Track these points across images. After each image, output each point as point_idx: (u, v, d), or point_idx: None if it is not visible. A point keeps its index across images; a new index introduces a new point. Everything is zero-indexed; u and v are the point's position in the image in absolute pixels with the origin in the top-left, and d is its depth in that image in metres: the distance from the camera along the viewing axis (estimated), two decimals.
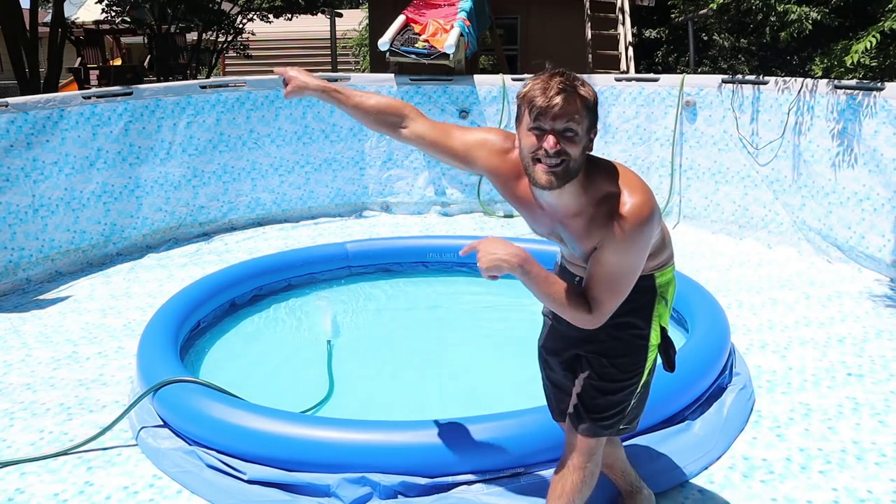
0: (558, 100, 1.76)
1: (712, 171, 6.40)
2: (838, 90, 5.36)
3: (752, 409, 3.29)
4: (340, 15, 10.50)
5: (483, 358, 4.11)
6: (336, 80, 7.03)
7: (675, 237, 6.17)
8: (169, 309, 3.91)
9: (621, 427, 2.22)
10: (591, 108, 1.82)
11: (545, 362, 2.34)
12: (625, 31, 8.93)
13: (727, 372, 3.38)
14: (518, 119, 1.88)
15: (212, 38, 13.07)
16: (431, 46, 6.92)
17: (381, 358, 4.10)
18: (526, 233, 6.30)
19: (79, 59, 13.67)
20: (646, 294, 2.09)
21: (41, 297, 4.96)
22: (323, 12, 11.26)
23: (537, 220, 2.03)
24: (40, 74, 10.43)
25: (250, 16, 12.89)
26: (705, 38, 13.61)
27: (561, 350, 2.25)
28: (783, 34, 7.64)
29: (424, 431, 2.71)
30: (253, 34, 13.91)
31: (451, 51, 6.76)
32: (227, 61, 16.84)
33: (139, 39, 14.28)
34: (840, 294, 4.77)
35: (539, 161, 1.80)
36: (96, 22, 13.59)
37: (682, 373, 3.11)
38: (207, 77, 13.06)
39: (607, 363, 2.12)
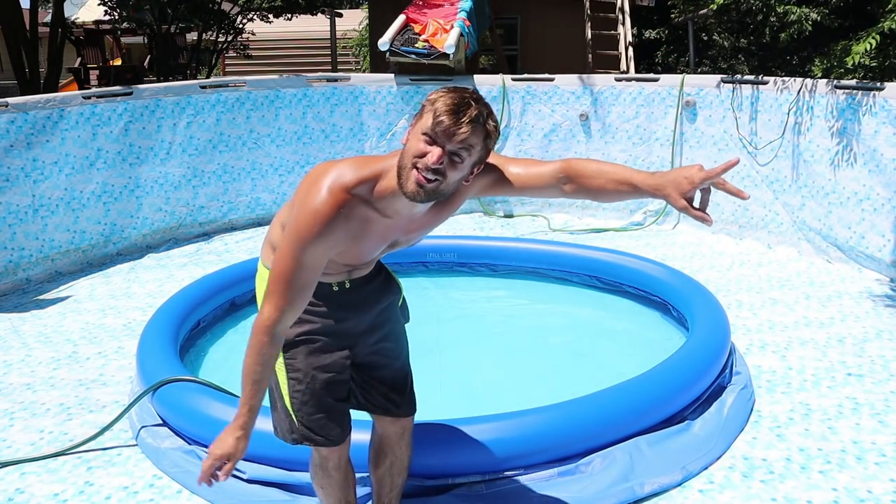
0: (466, 129, 1.71)
1: None
2: (838, 90, 5.36)
3: (752, 409, 3.29)
4: (340, 15, 10.52)
5: (483, 358, 4.11)
6: (336, 80, 7.04)
7: (676, 237, 6.23)
8: (169, 308, 3.91)
9: None
10: (487, 146, 1.79)
11: (344, 350, 2.11)
12: (625, 31, 8.93)
13: (727, 372, 3.38)
14: (417, 117, 1.77)
15: (212, 38, 13.06)
16: (431, 46, 6.92)
17: None
18: (527, 233, 6.32)
19: (79, 59, 13.65)
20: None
21: (41, 297, 4.96)
22: (323, 12, 11.26)
23: (382, 235, 1.93)
24: (40, 74, 10.43)
25: (250, 16, 12.86)
26: (705, 38, 13.63)
27: (369, 332, 2.17)
28: (783, 35, 7.65)
29: (424, 432, 2.71)
30: (253, 34, 13.89)
31: (451, 51, 6.76)
32: (227, 61, 16.83)
33: (139, 39, 14.27)
34: (840, 294, 4.77)
35: (416, 169, 1.73)
36: (96, 22, 13.57)
37: (682, 373, 3.13)
38: (207, 77, 13.05)
39: (400, 333, 2.28)
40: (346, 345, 2.11)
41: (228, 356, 4.08)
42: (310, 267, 1.82)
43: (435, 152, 1.71)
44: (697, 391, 3.13)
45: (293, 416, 2.10)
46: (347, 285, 2.09)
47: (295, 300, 1.83)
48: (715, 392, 3.23)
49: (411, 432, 2.37)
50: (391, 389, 2.25)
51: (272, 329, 1.83)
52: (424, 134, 1.72)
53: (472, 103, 1.73)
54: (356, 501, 2.35)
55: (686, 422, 3.00)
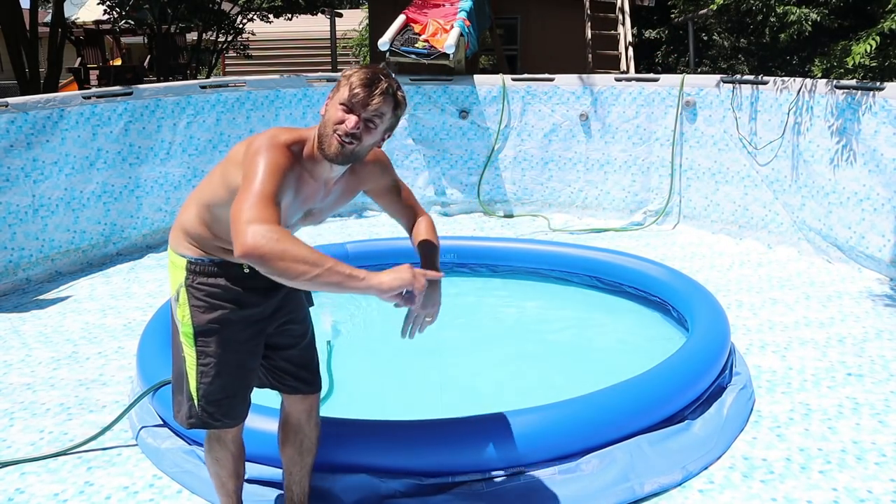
0: (378, 99, 1.96)
1: (712, 171, 6.40)
2: (838, 90, 5.36)
3: (752, 409, 3.29)
4: (340, 15, 10.51)
5: (482, 357, 4.11)
6: (336, 80, 7.03)
7: (676, 237, 6.24)
8: (163, 314, 3.90)
9: None
10: (397, 115, 2.04)
11: (257, 335, 2.19)
12: (625, 31, 8.93)
13: (727, 372, 3.38)
14: (334, 90, 2.01)
15: (212, 38, 13.06)
16: (431, 46, 6.92)
17: (380, 358, 4.10)
18: (527, 233, 6.32)
19: (79, 59, 13.66)
20: None
21: (41, 297, 4.96)
22: (323, 12, 11.26)
23: (306, 197, 2.07)
24: (40, 74, 10.43)
25: (250, 16, 12.87)
26: (705, 38, 13.64)
27: (275, 315, 2.25)
28: (783, 35, 7.66)
29: (424, 431, 2.71)
30: (253, 34, 13.90)
31: (451, 51, 6.77)
32: (227, 61, 16.84)
33: (139, 39, 14.28)
34: (840, 294, 4.77)
35: (336, 134, 1.96)
36: (96, 22, 13.58)
37: (682, 373, 3.13)
38: (207, 77, 13.05)
39: (305, 314, 2.37)
40: (257, 329, 2.19)
41: None
42: (282, 189, 1.86)
43: (352, 119, 1.95)
44: (697, 391, 3.13)
45: (195, 401, 2.14)
46: None
47: (274, 212, 1.78)
48: (715, 392, 3.22)
49: (318, 410, 2.45)
50: (300, 368, 2.34)
51: (270, 242, 1.68)
52: (342, 104, 1.96)
53: (382, 77, 1.98)
54: (244, 473, 2.43)
55: (686, 422, 3.00)
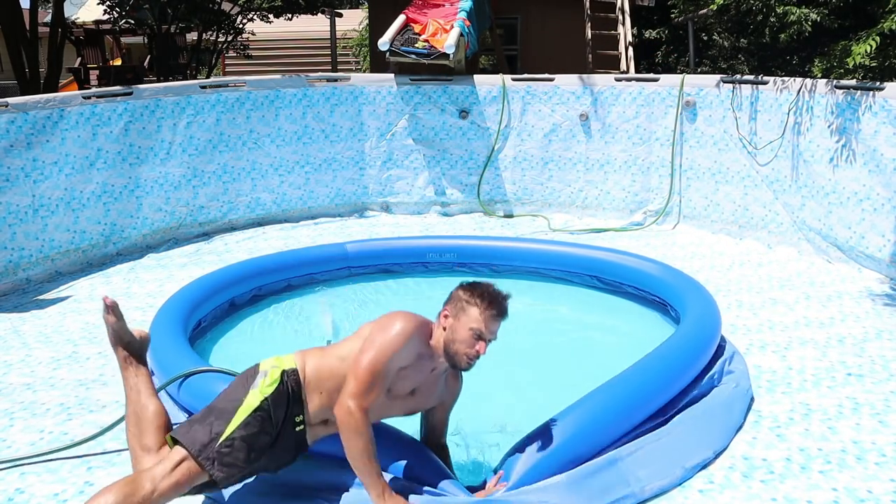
0: (500, 324, 2.49)
1: (712, 171, 6.40)
2: (838, 90, 5.36)
3: (751, 409, 3.29)
4: (340, 15, 10.49)
5: (481, 358, 4.09)
6: (336, 80, 7.04)
7: (675, 237, 6.24)
8: (169, 308, 3.90)
9: None
10: None
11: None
12: (625, 31, 8.93)
13: (722, 368, 3.37)
14: (462, 310, 2.45)
15: (212, 38, 13.06)
16: (431, 46, 6.92)
17: None
18: (527, 233, 6.32)
19: (79, 59, 13.67)
20: None
21: (41, 297, 4.95)
22: (323, 12, 11.25)
23: (419, 371, 2.49)
24: (40, 74, 10.43)
25: (250, 16, 12.88)
26: (705, 38, 13.64)
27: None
28: (783, 35, 7.67)
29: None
30: (253, 34, 13.91)
31: (451, 51, 6.76)
32: (227, 61, 16.84)
33: (139, 39, 14.28)
34: (840, 294, 4.77)
35: (468, 357, 2.43)
36: (96, 22, 13.58)
37: (678, 370, 3.12)
38: (207, 77, 13.05)
39: None
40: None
41: (228, 356, 4.08)
42: (393, 368, 2.40)
43: (483, 346, 2.44)
44: (695, 391, 3.12)
45: (221, 440, 2.33)
46: (307, 430, 2.49)
47: (375, 389, 2.36)
48: (714, 392, 3.22)
49: None
50: None
51: (366, 415, 2.32)
52: (471, 330, 2.42)
53: (506, 307, 2.51)
54: None
55: (686, 421, 2.99)
